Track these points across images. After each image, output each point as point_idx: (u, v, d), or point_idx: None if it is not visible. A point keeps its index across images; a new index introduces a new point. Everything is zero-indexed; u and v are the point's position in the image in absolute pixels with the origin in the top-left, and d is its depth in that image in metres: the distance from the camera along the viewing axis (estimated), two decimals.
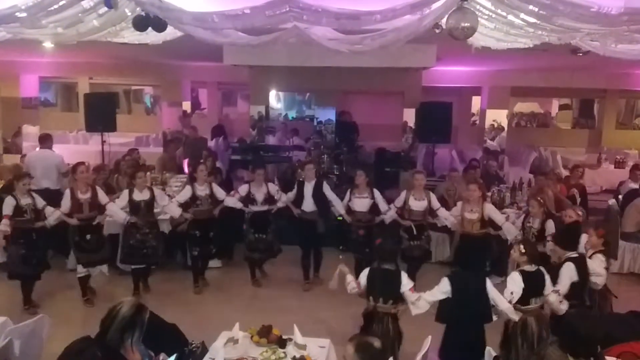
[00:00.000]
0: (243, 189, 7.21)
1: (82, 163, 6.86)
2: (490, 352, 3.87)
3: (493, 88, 13.72)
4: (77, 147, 13.97)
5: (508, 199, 8.45)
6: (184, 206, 6.99)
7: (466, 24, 4.19)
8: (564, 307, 4.49)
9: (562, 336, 3.27)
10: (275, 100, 19.03)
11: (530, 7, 4.08)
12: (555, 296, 4.44)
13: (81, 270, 6.57)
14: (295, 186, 7.31)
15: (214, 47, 7.26)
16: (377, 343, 2.87)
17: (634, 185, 8.62)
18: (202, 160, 7.75)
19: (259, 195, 7.12)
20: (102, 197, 6.65)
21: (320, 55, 7.17)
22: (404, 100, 11.50)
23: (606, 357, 3.32)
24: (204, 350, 3.99)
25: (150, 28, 4.71)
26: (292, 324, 4.14)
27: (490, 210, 6.52)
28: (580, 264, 4.75)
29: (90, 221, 6.51)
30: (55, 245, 7.63)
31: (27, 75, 13.87)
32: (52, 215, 6.39)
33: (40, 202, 6.44)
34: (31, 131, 13.70)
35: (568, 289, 4.61)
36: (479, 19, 4.32)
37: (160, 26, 4.70)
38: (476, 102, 16.44)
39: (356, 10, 4.21)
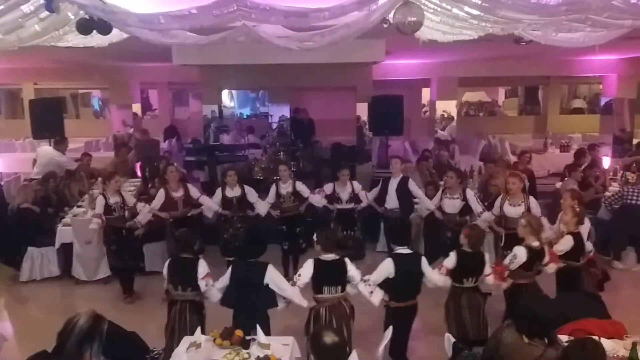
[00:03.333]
0: (328, 188, 7.28)
1: (172, 163, 7.54)
2: (449, 338, 3.97)
3: (441, 79, 13.98)
4: (25, 156, 13.39)
5: None
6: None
7: (413, 19, 4.27)
8: (375, 298, 4.53)
9: (518, 318, 3.39)
10: (228, 98, 18.88)
11: (474, 0, 4.20)
12: (363, 285, 4.50)
13: None
14: (380, 182, 7.38)
15: (162, 48, 7.14)
16: (328, 338, 2.90)
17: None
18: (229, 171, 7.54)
19: (344, 195, 7.20)
20: (194, 192, 7.05)
21: (272, 52, 7.13)
22: (356, 95, 11.59)
23: (559, 336, 3.46)
24: (167, 356, 3.95)
25: (95, 31, 4.60)
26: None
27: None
28: (404, 261, 4.65)
29: (184, 216, 6.89)
30: (4, 255, 7.43)
31: None
32: (143, 211, 6.77)
33: (130, 199, 6.92)
34: None
35: (381, 281, 4.60)
36: (425, 12, 4.40)
37: (105, 29, 4.59)
38: (426, 94, 16.71)
39: (304, 8, 4.22)
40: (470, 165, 10.18)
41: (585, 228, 5.67)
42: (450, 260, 4.76)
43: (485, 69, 13.55)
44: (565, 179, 8.58)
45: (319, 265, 4.48)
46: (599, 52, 10.07)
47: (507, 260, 4.91)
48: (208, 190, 8.13)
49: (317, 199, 7.18)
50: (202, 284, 4.58)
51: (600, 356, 2.96)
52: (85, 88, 19.41)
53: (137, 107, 15.64)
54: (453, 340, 3.93)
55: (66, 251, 7.26)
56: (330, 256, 4.52)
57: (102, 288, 7.15)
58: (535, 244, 4.93)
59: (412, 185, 7.10)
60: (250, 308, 4.48)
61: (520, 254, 4.86)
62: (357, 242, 7.25)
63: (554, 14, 4.48)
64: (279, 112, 13.36)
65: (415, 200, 7.32)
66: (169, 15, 4.32)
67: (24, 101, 15.95)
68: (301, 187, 7.18)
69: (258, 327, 3.99)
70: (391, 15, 4.40)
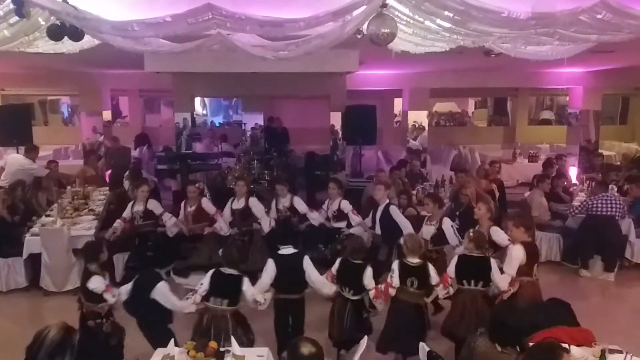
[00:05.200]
0: (326, 203, 7.16)
1: (193, 183, 7.62)
2: (424, 347, 3.99)
3: (413, 90, 14.13)
4: None
5: None
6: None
7: (386, 30, 4.32)
8: (263, 307, 4.66)
9: (490, 327, 3.44)
10: (201, 106, 18.75)
11: (446, 13, 4.27)
12: (255, 304, 4.62)
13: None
14: (373, 207, 7.01)
15: (134, 54, 7.05)
16: (305, 349, 2.91)
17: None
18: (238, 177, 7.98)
19: (330, 212, 7.04)
20: (208, 207, 7.10)
21: (246, 60, 7.09)
22: (330, 104, 11.64)
23: (530, 344, 3.52)
24: None
25: (66, 37, 4.53)
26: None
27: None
28: (286, 260, 4.88)
29: (194, 232, 7.04)
30: None
31: None
32: (170, 222, 6.98)
33: (158, 209, 7.02)
34: None
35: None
36: (398, 24, 4.46)
37: (76, 35, 4.52)
38: (398, 104, 16.89)
39: (280, 18, 4.24)
40: (441, 175, 10.30)
41: (516, 256, 5.08)
42: (334, 267, 5.00)
43: (456, 80, 13.76)
44: (534, 189, 8.76)
45: (215, 276, 4.62)
46: (566, 65, 10.33)
47: (388, 277, 4.93)
48: (181, 199, 8.03)
49: (315, 216, 7.08)
50: (108, 296, 4.58)
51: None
52: (54, 94, 19.03)
53: (107, 114, 15.42)
54: (427, 349, 3.96)
55: (34, 262, 7.08)
56: (230, 271, 4.63)
57: (72, 299, 6.87)
58: (413, 260, 4.90)
59: (395, 213, 6.65)
60: (146, 321, 4.55)
61: (394, 267, 4.93)
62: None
63: (524, 28, 4.59)
64: (253, 121, 13.34)
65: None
66: (143, 22, 4.28)
67: None
68: (298, 203, 7.13)
69: (233, 338, 3.96)
70: (365, 26, 4.46)
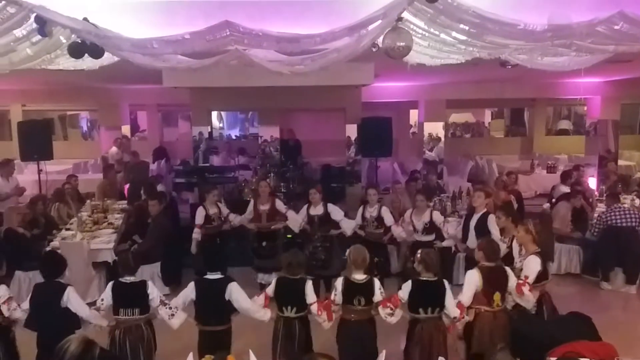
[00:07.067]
0: (407, 215, 7.11)
1: (264, 179, 8.43)
2: None
3: (429, 101, 14.11)
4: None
5: (449, 208, 8.71)
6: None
7: (401, 44, 4.35)
8: (174, 321, 4.61)
9: (511, 342, 3.41)
10: (218, 119, 18.90)
11: (461, 26, 4.29)
12: (163, 309, 4.58)
13: (261, 277, 7.33)
14: (463, 218, 6.89)
15: (152, 70, 7.16)
16: None
17: (565, 189, 9.10)
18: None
19: (419, 224, 6.84)
20: (280, 206, 7.47)
21: (262, 74, 7.16)
22: (345, 117, 11.67)
23: (551, 359, 3.48)
24: None
25: (86, 54, 4.62)
26: (248, 348, 4.09)
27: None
28: (208, 286, 4.69)
29: (267, 229, 7.35)
30: None
31: None
32: (235, 220, 7.59)
33: (224, 210, 7.64)
34: None
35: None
36: (413, 37, 4.49)
37: (97, 53, 4.61)
38: (414, 115, 16.87)
39: (296, 34, 4.28)
40: (458, 187, 10.24)
41: (469, 280, 4.77)
42: (270, 288, 4.79)
43: (472, 91, 13.71)
44: (562, 201, 8.56)
45: (116, 287, 4.61)
46: (583, 75, 10.25)
47: (332, 294, 4.71)
48: None
49: (399, 231, 6.90)
50: (4, 309, 4.55)
51: None
52: (73, 110, 19.34)
53: (126, 129, 15.62)
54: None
55: None
56: (129, 278, 4.62)
57: None
58: (358, 276, 4.61)
59: (491, 224, 6.21)
60: (52, 331, 4.40)
61: (337, 284, 4.67)
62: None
63: (540, 40, 4.58)
64: (269, 134, 13.39)
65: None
66: (162, 40, 4.36)
67: (12, 123, 15.86)
68: (386, 214, 6.96)
69: (250, 352, 3.96)
70: (380, 40, 4.48)
